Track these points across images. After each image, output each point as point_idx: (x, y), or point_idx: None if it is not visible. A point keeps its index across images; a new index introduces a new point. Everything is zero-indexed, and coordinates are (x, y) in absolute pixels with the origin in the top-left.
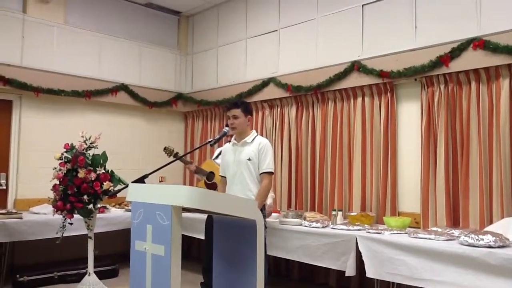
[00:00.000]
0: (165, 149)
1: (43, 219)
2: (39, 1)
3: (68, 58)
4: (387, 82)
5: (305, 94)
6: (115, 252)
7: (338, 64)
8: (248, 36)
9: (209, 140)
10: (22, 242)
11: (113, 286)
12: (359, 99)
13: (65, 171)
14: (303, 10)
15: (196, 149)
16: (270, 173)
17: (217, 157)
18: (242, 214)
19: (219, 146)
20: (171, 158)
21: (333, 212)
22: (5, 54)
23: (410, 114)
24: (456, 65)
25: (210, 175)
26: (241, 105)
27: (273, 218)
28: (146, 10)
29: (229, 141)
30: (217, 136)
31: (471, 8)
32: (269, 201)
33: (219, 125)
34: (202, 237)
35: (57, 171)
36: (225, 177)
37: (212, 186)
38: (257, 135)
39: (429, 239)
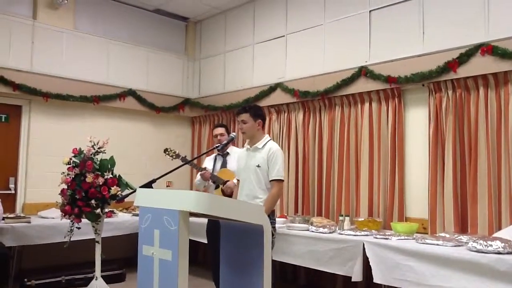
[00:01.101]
0: (166, 150)
1: (51, 223)
2: (49, 7)
3: (77, 63)
4: (395, 88)
5: (312, 100)
6: (122, 256)
7: (345, 70)
8: (255, 41)
9: (217, 145)
10: (30, 246)
11: None
12: (367, 105)
13: (73, 176)
14: (310, 16)
15: (204, 154)
16: (280, 180)
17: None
18: (248, 219)
19: (226, 150)
20: (175, 161)
21: (340, 218)
22: (15, 59)
23: (417, 120)
24: (464, 71)
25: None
26: (250, 109)
27: (280, 223)
28: (154, 16)
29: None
30: (224, 141)
31: (479, 13)
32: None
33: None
34: None
35: (65, 175)
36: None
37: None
38: (269, 140)
39: (437, 245)
